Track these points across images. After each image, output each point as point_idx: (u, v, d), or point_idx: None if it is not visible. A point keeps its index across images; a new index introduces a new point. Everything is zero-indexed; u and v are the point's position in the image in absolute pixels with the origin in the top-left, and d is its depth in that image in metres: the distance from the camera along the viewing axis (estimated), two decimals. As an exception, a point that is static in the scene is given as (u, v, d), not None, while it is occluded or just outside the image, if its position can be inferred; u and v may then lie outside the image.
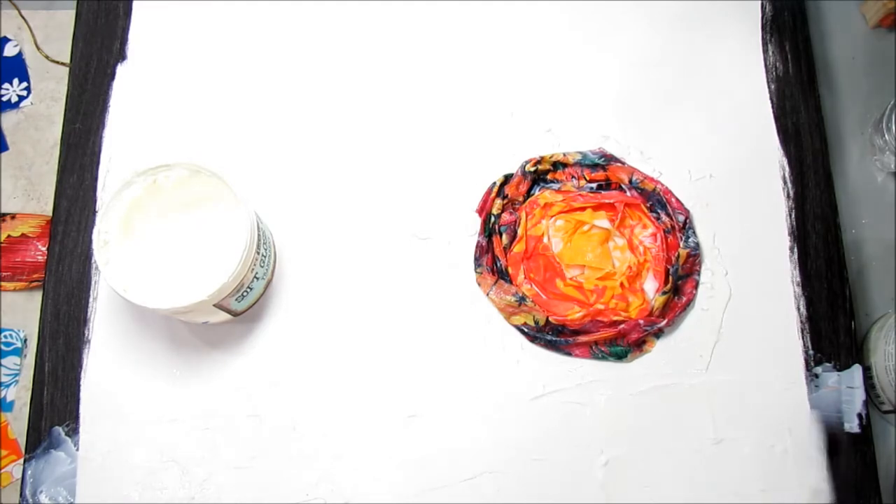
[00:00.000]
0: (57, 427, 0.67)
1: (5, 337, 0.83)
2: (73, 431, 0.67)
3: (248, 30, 0.77)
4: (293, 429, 0.66)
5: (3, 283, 0.83)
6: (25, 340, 0.84)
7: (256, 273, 0.63)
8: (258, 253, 0.62)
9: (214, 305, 0.61)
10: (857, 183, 0.77)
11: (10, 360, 0.82)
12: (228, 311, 0.64)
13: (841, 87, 0.80)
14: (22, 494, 0.66)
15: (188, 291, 0.59)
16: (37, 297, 0.84)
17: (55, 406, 0.68)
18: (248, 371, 0.68)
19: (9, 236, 0.84)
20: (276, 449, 0.66)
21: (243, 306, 0.66)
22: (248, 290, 0.64)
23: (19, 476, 0.81)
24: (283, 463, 0.66)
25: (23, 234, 0.84)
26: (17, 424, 0.82)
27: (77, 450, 0.66)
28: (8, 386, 0.82)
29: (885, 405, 0.69)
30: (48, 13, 0.90)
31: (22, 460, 0.82)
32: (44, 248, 0.83)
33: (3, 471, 0.81)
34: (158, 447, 0.66)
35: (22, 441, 0.82)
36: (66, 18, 0.88)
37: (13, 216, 0.85)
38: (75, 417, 0.67)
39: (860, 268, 0.74)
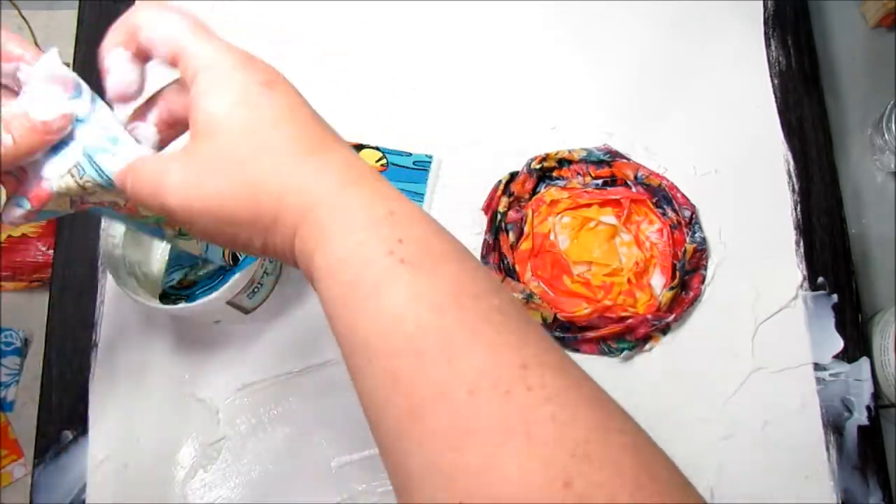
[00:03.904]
0: (66, 431, 0.67)
1: (5, 337, 0.82)
2: (82, 435, 0.66)
3: (251, 32, 0.77)
4: (304, 432, 0.66)
5: (3, 283, 0.83)
6: (26, 340, 0.83)
7: (266, 269, 0.63)
8: None
9: (227, 303, 0.61)
10: (857, 182, 0.77)
11: (10, 360, 0.82)
12: (240, 308, 0.64)
13: (841, 86, 0.80)
14: (32, 501, 0.65)
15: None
16: (37, 297, 0.84)
17: (63, 410, 0.67)
18: (258, 371, 0.67)
19: (9, 236, 0.83)
20: (288, 452, 0.66)
21: (255, 302, 0.66)
22: (259, 285, 0.63)
23: (20, 475, 0.80)
24: (294, 468, 0.66)
25: (23, 235, 0.84)
26: (17, 424, 0.82)
27: (86, 453, 0.66)
28: (8, 386, 0.82)
29: (881, 400, 0.70)
30: (48, 13, 0.90)
31: (22, 460, 0.81)
32: (44, 249, 0.83)
33: (3, 470, 0.80)
34: (168, 450, 0.66)
35: (22, 441, 0.82)
36: (66, 18, 0.88)
37: (13, 216, 0.85)
38: (84, 421, 0.67)
39: (860, 267, 0.74)
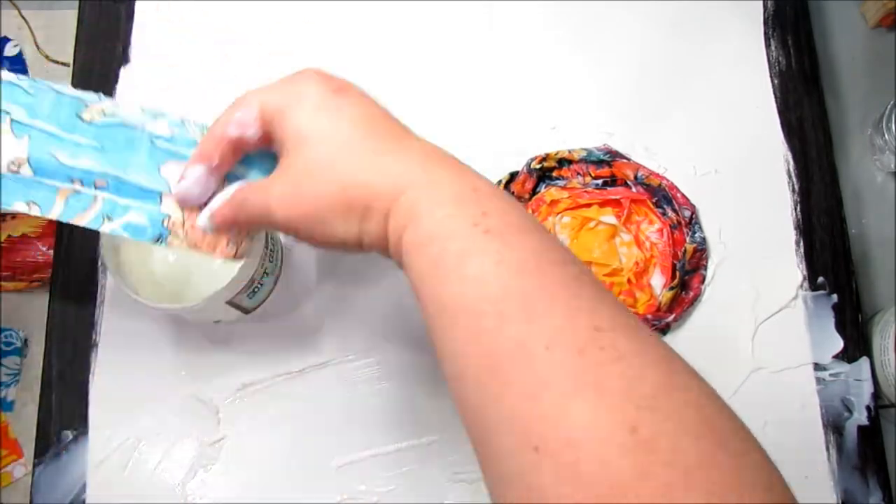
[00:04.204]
0: (66, 430, 0.67)
1: (5, 337, 0.82)
2: (83, 435, 0.66)
3: (252, 32, 0.77)
4: (304, 432, 0.66)
5: (3, 283, 0.83)
6: (26, 340, 0.83)
7: (266, 269, 0.63)
8: (266, 248, 0.62)
9: (227, 303, 0.61)
10: (857, 183, 0.77)
11: (10, 360, 0.82)
12: (240, 308, 0.64)
13: (841, 86, 0.80)
14: (32, 501, 0.65)
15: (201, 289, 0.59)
16: (37, 297, 0.84)
17: (63, 410, 0.67)
18: (258, 371, 0.67)
19: (9, 236, 0.83)
20: (288, 452, 0.66)
21: (255, 302, 0.66)
22: (259, 285, 0.63)
23: (20, 476, 0.80)
24: (294, 468, 0.66)
25: (23, 234, 0.83)
26: (17, 424, 0.81)
27: (86, 453, 0.66)
28: (8, 386, 0.82)
29: (881, 400, 0.70)
30: (48, 13, 0.90)
31: (22, 460, 0.81)
32: (44, 248, 0.83)
33: (3, 470, 0.80)
34: (168, 450, 0.66)
35: (22, 441, 0.82)
36: (66, 18, 0.88)
37: (13, 216, 0.85)
38: (84, 421, 0.67)
39: (860, 267, 0.74)
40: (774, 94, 0.75)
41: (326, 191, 0.43)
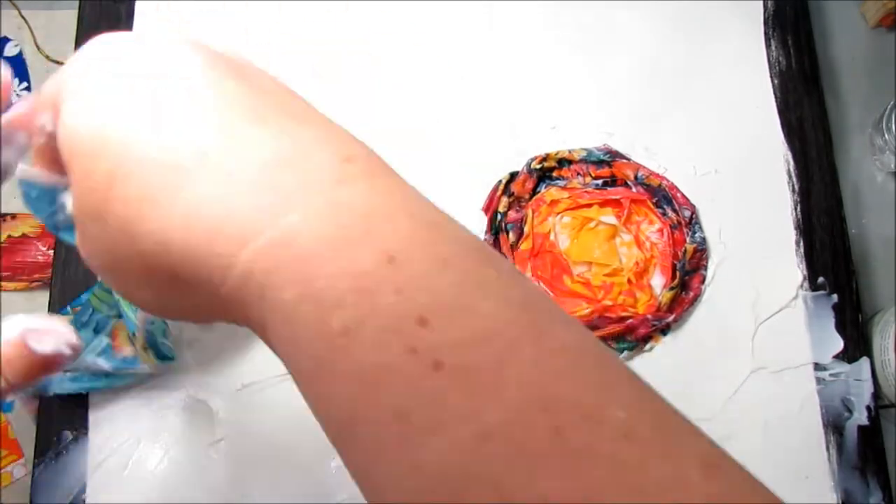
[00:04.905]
0: (66, 431, 0.66)
1: (6, 337, 0.82)
2: (83, 435, 0.66)
3: (252, 32, 0.77)
4: (304, 432, 0.66)
5: (3, 283, 0.83)
6: (26, 341, 0.83)
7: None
8: None
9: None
10: (857, 182, 0.77)
11: (10, 361, 0.82)
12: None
13: (841, 86, 0.80)
14: (32, 501, 0.65)
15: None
16: (37, 297, 0.84)
17: (63, 410, 0.67)
18: (258, 371, 0.67)
19: (9, 236, 0.83)
20: (288, 452, 0.66)
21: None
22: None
23: (20, 476, 0.80)
24: (294, 468, 0.65)
25: (23, 234, 0.83)
26: (17, 424, 0.81)
27: (86, 453, 0.66)
28: (9, 387, 0.81)
29: (881, 400, 0.70)
30: (48, 13, 0.90)
31: (22, 460, 0.81)
32: (44, 248, 0.83)
33: (3, 471, 0.80)
34: (168, 450, 0.66)
35: (22, 441, 0.81)
36: (66, 18, 0.88)
37: (13, 216, 0.85)
38: (84, 421, 0.67)
39: (860, 267, 0.74)
40: (774, 94, 0.75)
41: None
